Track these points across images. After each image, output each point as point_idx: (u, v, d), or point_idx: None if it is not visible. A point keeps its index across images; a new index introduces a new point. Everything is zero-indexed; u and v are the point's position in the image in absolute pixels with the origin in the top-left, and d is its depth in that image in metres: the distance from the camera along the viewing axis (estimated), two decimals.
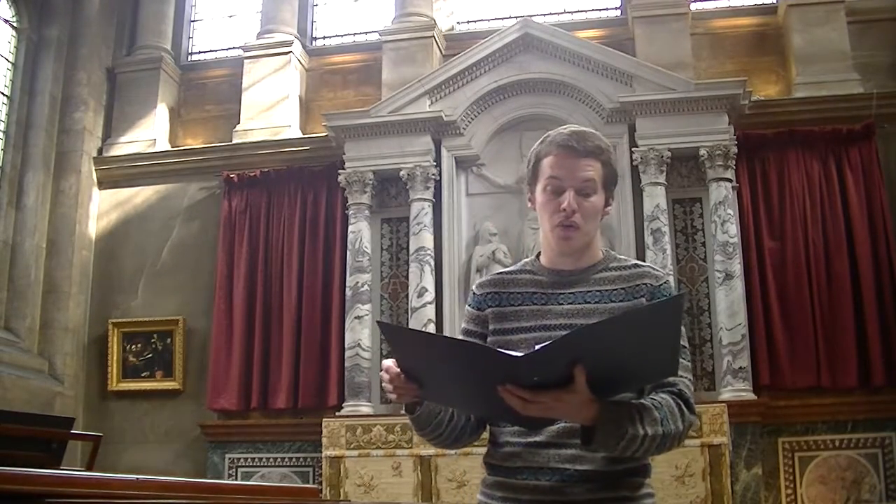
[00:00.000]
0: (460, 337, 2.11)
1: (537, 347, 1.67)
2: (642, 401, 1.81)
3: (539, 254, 2.12)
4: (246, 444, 7.54)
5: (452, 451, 6.38)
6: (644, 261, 6.70)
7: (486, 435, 2.11)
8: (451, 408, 2.00)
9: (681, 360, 1.90)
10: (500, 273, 2.15)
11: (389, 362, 1.84)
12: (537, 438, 1.92)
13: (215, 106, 8.83)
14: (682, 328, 1.96)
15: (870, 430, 6.70)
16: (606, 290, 1.98)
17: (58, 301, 8.06)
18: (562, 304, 1.98)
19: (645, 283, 1.98)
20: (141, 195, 8.50)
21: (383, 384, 1.87)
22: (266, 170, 8.02)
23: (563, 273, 2.04)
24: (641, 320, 1.66)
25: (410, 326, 6.93)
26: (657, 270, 2.04)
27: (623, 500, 1.90)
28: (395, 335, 1.88)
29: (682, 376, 1.90)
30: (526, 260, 2.15)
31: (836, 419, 6.75)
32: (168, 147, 8.63)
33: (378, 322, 2.00)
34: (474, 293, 2.12)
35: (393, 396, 1.87)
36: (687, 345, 1.98)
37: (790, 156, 7.22)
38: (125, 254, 8.38)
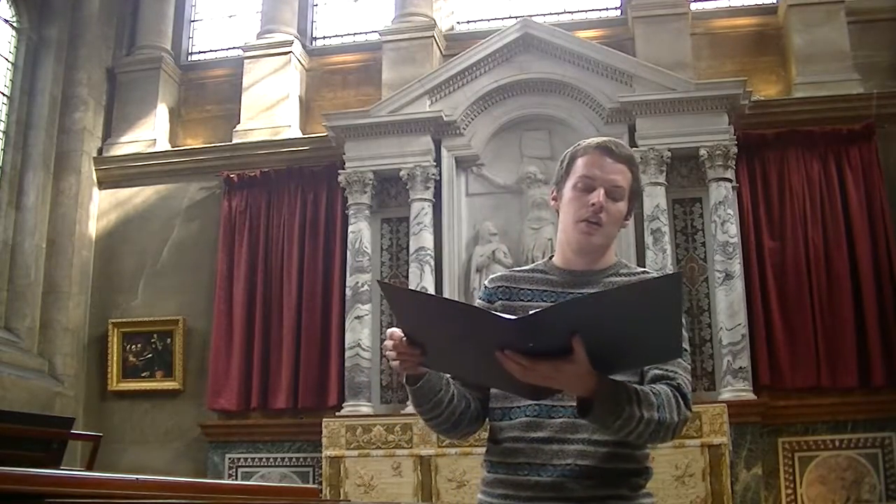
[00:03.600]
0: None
1: (531, 312, 1.68)
2: (641, 387, 1.85)
3: (552, 256, 2.15)
4: (246, 444, 7.53)
5: (453, 451, 6.39)
6: (644, 261, 6.77)
7: (485, 434, 2.11)
8: (454, 375, 2.00)
9: (681, 360, 1.94)
10: (513, 270, 2.19)
11: (394, 329, 1.86)
12: (541, 434, 1.93)
13: (215, 106, 8.83)
14: (684, 330, 1.98)
15: (870, 430, 6.69)
16: None
17: (58, 301, 8.05)
18: None
19: None
20: (141, 195, 8.50)
21: (387, 352, 1.88)
22: (266, 170, 8.02)
23: (576, 273, 2.07)
24: (638, 295, 1.66)
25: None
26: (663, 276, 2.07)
27: (622, 498, 1.91)
28: (395, 296, 1.89)
29: (681, 374, 1.94)
30: (539, 262, 2.19)
31: (836, 419, 6.74)
32: (168, 147, 8.63)
33: (378, 281, 2.02)
34: (486, 286, 2.16)
35: (396, 363, 1.87)
36: (688, 348, 2.01)
37: (790, 156, 7.22)
38: (125, 254, 8.38)
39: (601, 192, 2.02)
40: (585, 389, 1.74)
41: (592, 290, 1.98)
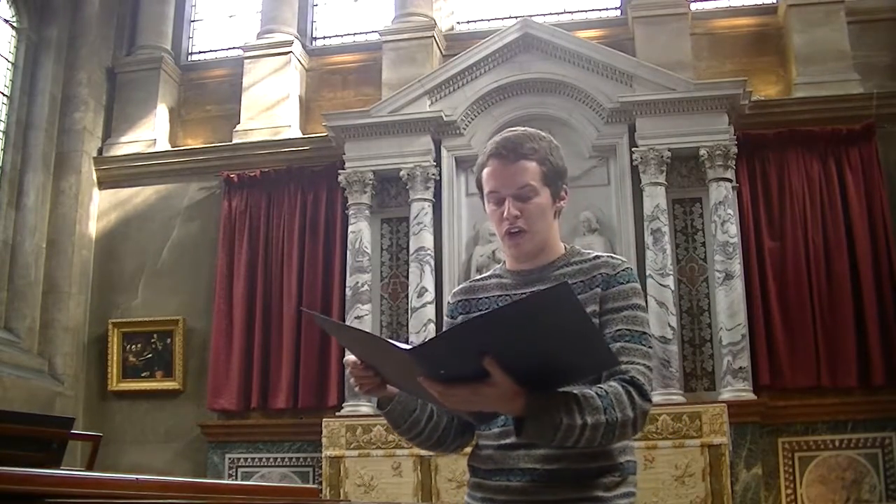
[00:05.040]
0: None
1: (421, 342, 1.68)
2: (584, 390, 1.77)
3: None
4: (246, 444, 7.54)
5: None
6: (644, 261, 6.77)
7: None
8: (413, 395, 1.98)
9: (639, 346, 1.90)
10: (472, 281, 2.19)
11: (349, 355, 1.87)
12: (509, 441, 1.92)
13: (215, 106, 8.84)
14: (642, 313, 1.94)
15: (870, 430, 6.70)
16: None
17: (58, 301, 8.05)
18: None
19: (601, 273, 1.98)
20: (141, 195, 8.50)
21: (348, 379, 1.90)
22: (266, 170, 8.02)
23: (524, 273, 2.06)
24: (529, 309, 1.60)
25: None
26: (616, 259, 2.03)
27: (596, 500, 1.88)
28: (325, 325, 1.90)
29: (636, 363, 1.88)
30: (496, 267, 2.18)
31: (836, 419, 6.74)
32: (168, 147, 8.63)
33: (300, 308, 2.03)
34: (448, 302, 2.17)
35: (357, 388, 1.88)
36: (647, 331, 1.95)
37: (790, 156, 7.22)
38: (125, 254, 8.38)
39: (509, 202, 1.99)
40: (516, 409, 1.71)
41: (543, 287, 1.92)
